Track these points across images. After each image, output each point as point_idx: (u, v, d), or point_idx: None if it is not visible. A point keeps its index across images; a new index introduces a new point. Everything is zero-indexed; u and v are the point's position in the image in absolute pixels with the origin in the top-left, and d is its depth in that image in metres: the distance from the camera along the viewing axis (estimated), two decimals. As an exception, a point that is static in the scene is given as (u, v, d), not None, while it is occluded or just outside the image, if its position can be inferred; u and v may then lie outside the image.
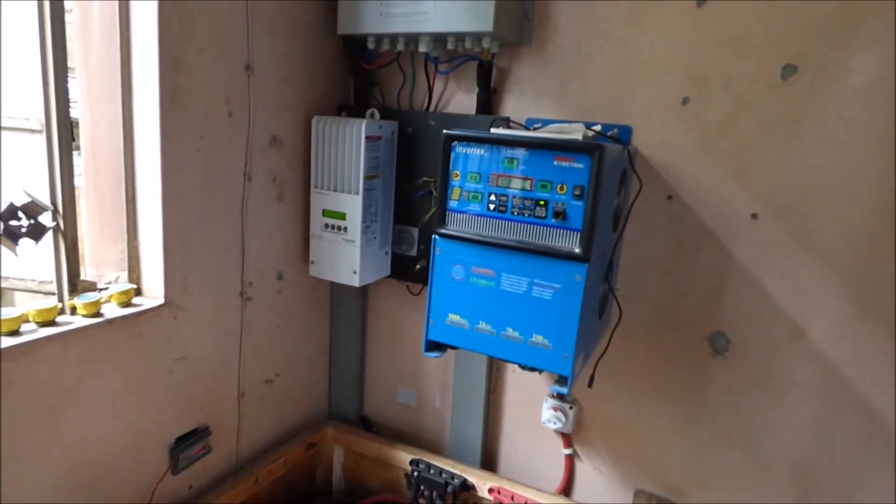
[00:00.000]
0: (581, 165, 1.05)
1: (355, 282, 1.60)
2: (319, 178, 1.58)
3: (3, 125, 1.19)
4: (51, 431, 1.16)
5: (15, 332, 1.09)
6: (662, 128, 1.42)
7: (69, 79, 1.18)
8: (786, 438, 1.43)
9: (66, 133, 1.18)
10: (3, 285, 1.29)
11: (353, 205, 1.55)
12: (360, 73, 1.69)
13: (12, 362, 1.07)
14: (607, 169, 1.07)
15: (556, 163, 1.08)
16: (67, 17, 1.17)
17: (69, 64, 1.18)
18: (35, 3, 1.11)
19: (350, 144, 1.51)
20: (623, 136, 1.43)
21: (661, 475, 1.59)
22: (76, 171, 1.24)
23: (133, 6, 1.24)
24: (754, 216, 1.36)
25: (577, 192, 1.07)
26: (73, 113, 1.21)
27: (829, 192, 1.29)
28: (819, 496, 1.41)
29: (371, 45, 1.57)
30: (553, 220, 1.10)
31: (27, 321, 1.13)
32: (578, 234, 1.08)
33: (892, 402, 1.31)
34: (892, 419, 1.31)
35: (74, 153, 1.23)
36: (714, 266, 1.43)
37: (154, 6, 1.21)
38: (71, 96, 1.19)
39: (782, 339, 1.39)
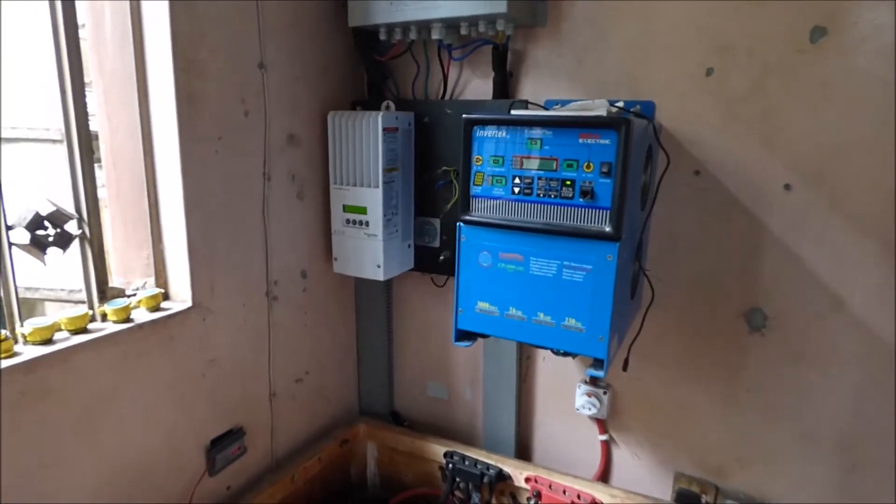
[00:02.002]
0: (607, 141, 1.03)
1: (380, 276, 1.59)
2: (338, 174, 1.57)
3: (25, 136, 1.20)
4: (89, 437, 1.17)
5: (48, 341, 1.10)
6: (686, 101, 1.38)
7: (87, 91, 1.19)
8: (829, 411, 1.39)
9: (87, 142, 1.19)
10: (34, 296, 1.30)
11: (373, 198, 1.53)
12: (372, 66, 1.68)
13: (48, 370, 1.08)
14: (634, 144, 1.04)
15: (581, 140, 1.05)
16: (81, 32, 1.17)
17: (86, 76, 1.19)
18: (49, 16, 1.12)
19: (367, 138, 1.50)
20: (646, 111, 1.39)
21: (701, 457, 1.56)
22: (98, 182, 1.24)
23: (145, 11, 1.24)
24: (787, 186, 1.32)
25: (605, 170, 1.04)
26: (92, 124, 1.22)
27: (862, 154, 1.25)
28: (867, 467, 1.37)
29: (383, 37, 1.56)
30: (581, 200, 1.07)
31: (60, 329, 1.14)
32: (608, 212, 1.05)
33: (942, 370, 1.26)
34: (942, 388, 1.27)
35: (95, 165, 1.23)
36: (747, 240, 1.39)
37: (165, 10, 1.21)
38: (90, 109, 1.19)
39: (821, 310, 1.35)
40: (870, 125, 1.23)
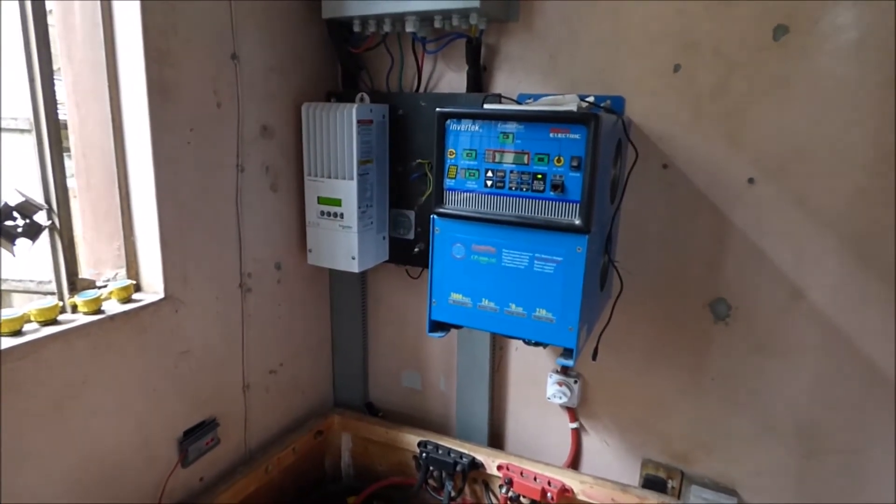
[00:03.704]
0: (577, 136, 1.05)
1: (354, 268, 1.60)
2: (313, 166, 1.57)
3: (-9, 126, 1.18)
4: (59, 429, 1.16)
5: (17, 333, 1.09)
6: (655, 96, 1.41)
7: (56, 80, 1.17)
8: (789, 399, 1.44)
9: (56, 131, 1.17)
10: (2, 288, 1.28)
11: (348, 190, 1.54)
12: (347, 58, 1.68)
13: (17, 362, 1.07)
14: (604, 138, 1.07)
15: (551, 135, 1.07)
16: (49, 19, 1.15)
17: (55, 64, 1.17)
18: (17, 3, 1.10)
19: (342, 130, 1.50)
20: (616, 107, 1.43)
21: (667, 443, 1.61)
22: (67, 172, 1.23)
23: (115, 1, 1.22)
24: (751, 180, 1.37)
25: (575, 164, 1.06)
26: (61, 114, 1.20)
27: (823, 150, 1.30)
28: (825, 453, 1.43)
29: (357, 28, 1.56)
30: (551, 193, 1.10)
31: (29, 321, 1.13)
32: (578, 205, 1.08)
33: (893, 355, 1.32)
34: (892, 373, 1.33)
35: (65, 155, 1.22)
36: (712, 233, 1.43)
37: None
38: (58, 98, 1.18)
39: (783, 302, 1.40)
40: (830, 122, 1.28)
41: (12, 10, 1.10)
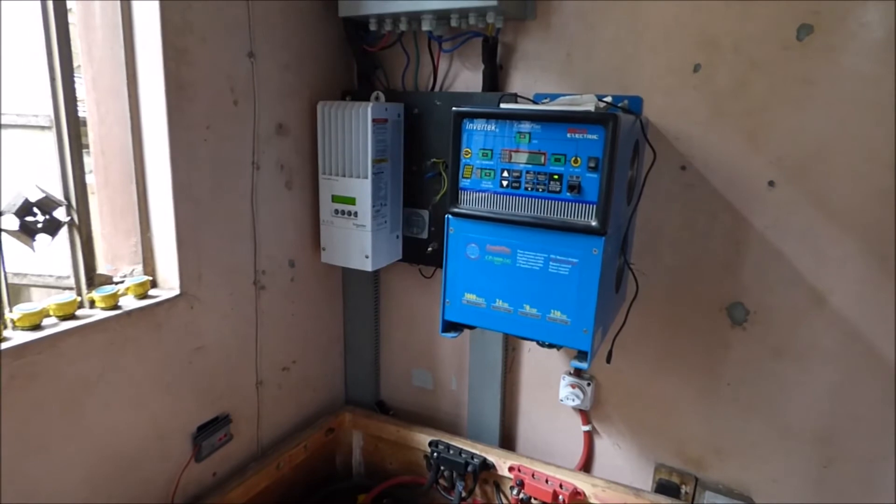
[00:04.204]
0: (595, 137, 1.04)
1: (367, 266, 1.60)
2: (327, 164, 1.58)
3: (13, 123, 1.19)
4: (76, 423, 1.17)
5: (37, 327, 1.10)
6: (673, 96, 1.40)
7: (76, 77, 1.18)
8: (808, 405, 1.42)
9: (76, 128, 1.18)
10: (22, 282, 1.30)
11: (362, 189, 1.54)
12: (362, 56, 1.68)
13: (36, 356, 1.08)
14: (621, 139, 1.06)
15: (569, 135, 1.06)
16: (70, 18, 1.16)
17: (75, 62, 1.18)
18: (38, 2, 1.11)
19: (357, 128, 1.50)
20: (633, 106, 1.41)
21: (680, 448, 1.59)
22: (86, 169, 1.24)
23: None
24: (771, 183, 1.34)
25: (592, 164, 1.05)
26: (81, 111, 1.21)
27: (846, 150, 1.27)
28: (844, 461, 1.41)
29: (373, 27, 1.56)
30: (568, 194, 1.09)
31: (48, 315, 1.14)
32: (594, 206, 1.07)
33: (915, 364, 1.30)
34: (914, 382, 1.31)
35: (84, 152, 1.23)
36: (731, 235, 1.41)
37: (155, -2, 1.20)
38: (78, 96, 1.19)
39: (803, 306, 1.37)
40: (854, 123, 1.25)
41: (34, 9, 1.11)
